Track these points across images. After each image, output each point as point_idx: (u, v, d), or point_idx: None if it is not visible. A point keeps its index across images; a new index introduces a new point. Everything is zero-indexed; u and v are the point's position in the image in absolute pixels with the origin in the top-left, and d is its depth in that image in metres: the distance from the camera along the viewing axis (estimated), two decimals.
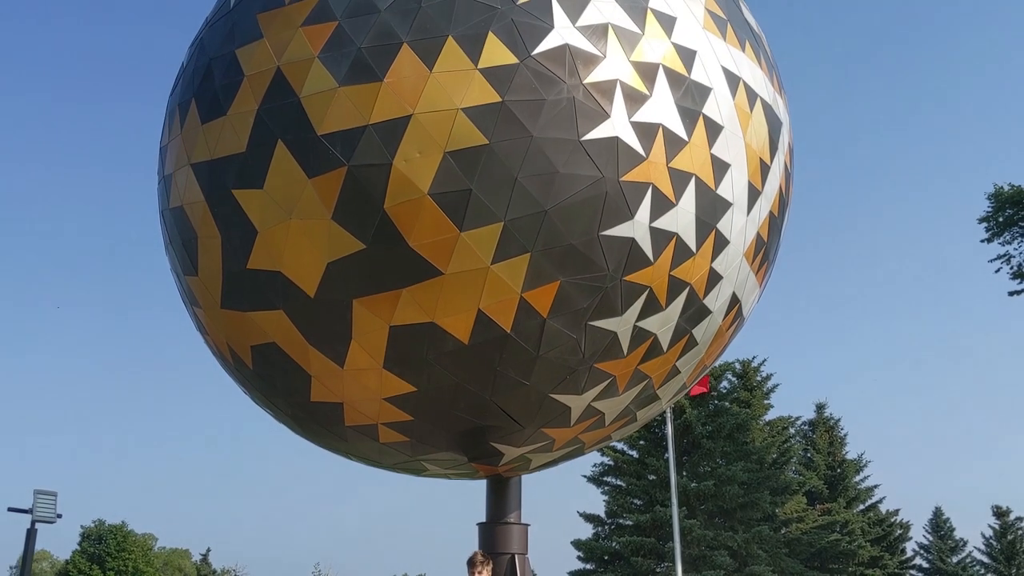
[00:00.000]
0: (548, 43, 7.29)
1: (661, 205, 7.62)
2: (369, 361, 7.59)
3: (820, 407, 47.12)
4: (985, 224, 28.47)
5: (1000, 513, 54.90)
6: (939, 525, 56.13)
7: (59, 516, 16.39)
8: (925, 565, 54.04)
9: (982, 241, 28.74)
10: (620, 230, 7.47)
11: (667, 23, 7.96)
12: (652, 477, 26.49)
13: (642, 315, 7.93)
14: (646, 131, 7.51)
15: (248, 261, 7.57)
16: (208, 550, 75.71)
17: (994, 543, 54.38)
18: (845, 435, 45.73)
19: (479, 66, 7.12)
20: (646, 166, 7.50)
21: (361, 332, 7.45)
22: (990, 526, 55.25)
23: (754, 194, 8.61)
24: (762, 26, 9.96)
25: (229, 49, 7.76)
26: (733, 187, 8.28)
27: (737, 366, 36.04)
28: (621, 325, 7.87)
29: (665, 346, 8.38)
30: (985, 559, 54.43)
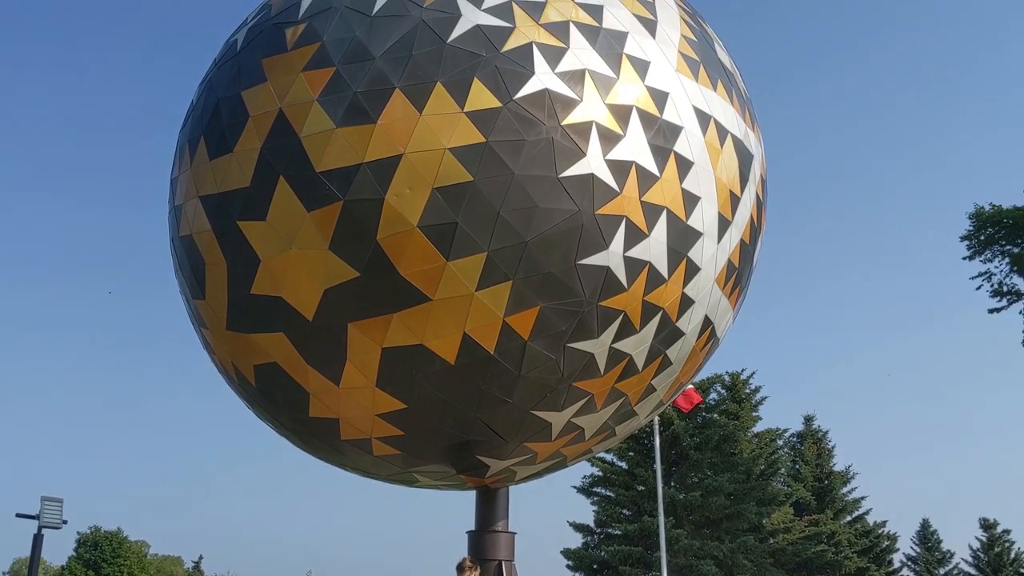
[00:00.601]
0: (529, 88, 7.91)
1: (634, 236, 8.23)
2: (363, 380, 8.18)
3: (808, 419, 47.80)
4: (967, 243, 29.15)
5: (987, 525, 55.47)
6: (927, 537, 56.76)
7: (64, 522, 16.79)
8: None
9: (964, 258, 29.41)
10: (596, 259, 8.08)
11: (641, 67, 8.58)
12: (640, 488, 27.10)
13: (617, 337, 8.53)
14: (620, 168, 8.12)
15: (252, 287, 8.18)
16: (200, 557, 74.76)
17: (981, 555, 54.96)
18: (833, 447, 46.38)
19: (465, 109, 7.74)
20: (620, 200, 8.11)
21: (355, 353, 8.06)
22: (977, 538, 56.02)
23: (724, 224, 9.22)
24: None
25: (236, 91, 8.40)
26: (703, 218, 8.88)
27: (726, 378, 36.81)
28: (598, 347, 8.47)
29: (640, 366, 8.97)
30: (972, 571, 54.98)
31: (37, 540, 15.34)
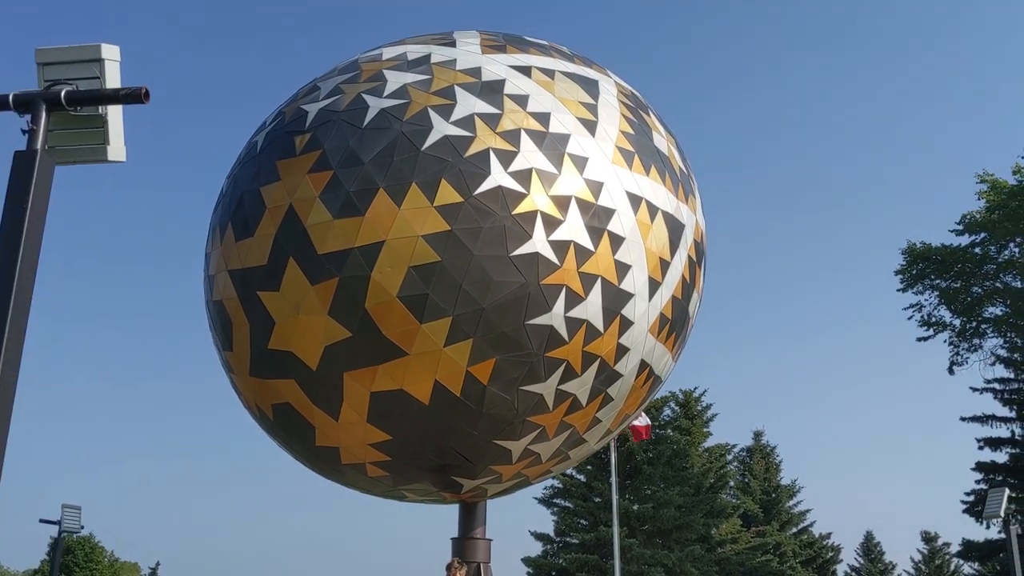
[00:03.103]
0: (486, 185, 10.00)
1: (573, 300, 10.28)
2: (356, 417, 10.28)
3: (758, 435, 50.12)
4: (900, 276, 31.16)
5: (928, 538, 57.88)
6: (870, 548, 59.00)
7: (82, 527, 18.02)
8: None
9: (898, 290, 31.47)
10: (541, 320, 10.13)
11: (580, 163, 10.64)
12: (597, 499, 29.05)
13: (562, 380, 10.56)
14: (560, 247, 10.18)
15: (269, 343, 10.31)
16: (157, 563, 72.18)
17: (922, 567, 57.39)
18: (780, 461, 48.61)
19: (434, 204, 9.84)
20: (560, 272, 10.17)
21: (350, 396, 10.16)
22: (919, 550, 58.46)
23: (655, 285, 11.22)
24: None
25: (255, 186, 10.56)
26: (635, 282, 10.91)
27: (680, 395, 39.29)
28: (546, 389, 10.51)
29: (584, 402, 10.99)
30: None
31: (57, 544, 17.00)
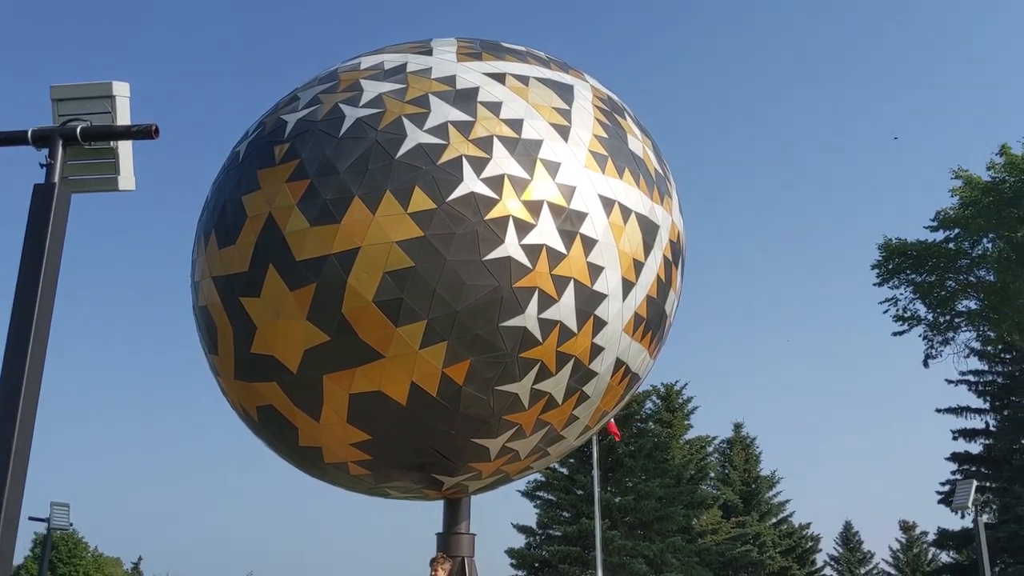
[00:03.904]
0: (458, 192, 10.28)
1: (546, 302, 10.56)
2: (337, 418, 10.60)
3: (738, 426, 50.77)
4: (876, 271, 31.60)
5: (906, 528, 59.13)
6: (849, 538, 60.39)
7: (71, 525, 18.37)
8: None
9: (874, 285, 31.97)
10: (514, 321, 10.42)
11: (552, 168, 10.91)
12: (580, 492, 29.44)
13: (537, 380, 10.86)
14: (532, 250, 10.46)
15: (251, 347, 10.64)
16: (140, 558, 72.73)
17: (901, 556, 58.66)
18: (760, 453, 49.31)
19: (408, 211, 10.14)
20: (533, 275, 10.45)
21: (330, 398, 10.48)
22: (897, 539, 59.94)
23: (628, 286, 11.49)
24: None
25: (237, 195, 10.87)
26: (608, 283, 11.18)
27: (661, 389, 39.99)
28: (521, 388, 10.80)
29: (560, 400, 11.28)
30: (892, 571, 58.65)
31: (47, 540, 17.30)
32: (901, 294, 31.39)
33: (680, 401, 39.83)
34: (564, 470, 32.09)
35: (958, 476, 33.62)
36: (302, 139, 10.73)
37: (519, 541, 32.63)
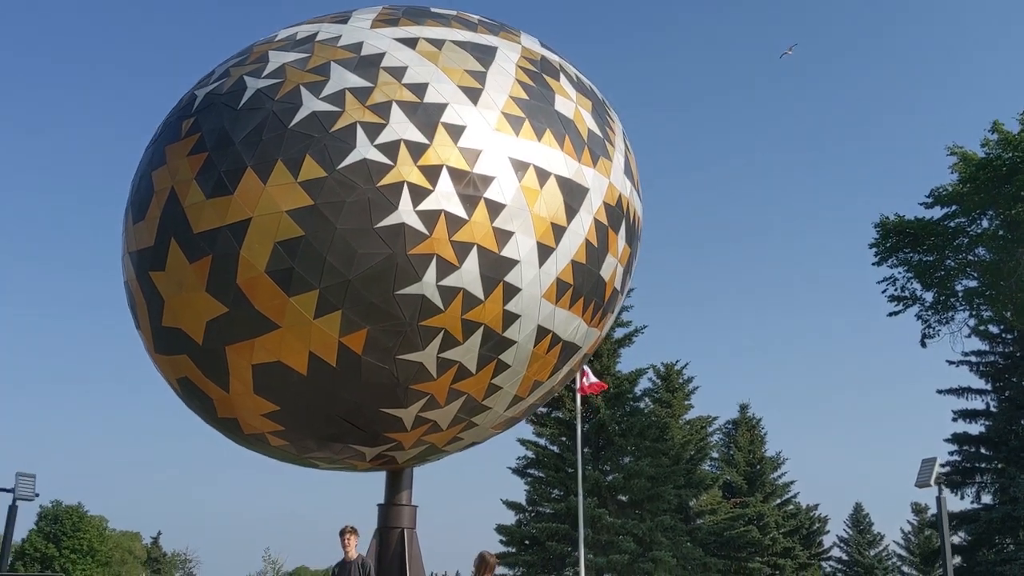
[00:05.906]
0: (350, 159, 10.16)
1: (446, 269, 10.37)
2: (244, 388, 10.68)
3: (743, 407, 49.99)
4: (874, 249, 30.30)
5: (918, 510, 58.43)
6: (859, 520, 59.67)
7: (37, 495, 18.71)
8: (844, 557, 57.68)
9: (872, 264, 30.71)
10: (411, 289, 10.28)
11: (455, 132, 10.67)
12: (570, 470, 28.84)
13: (442, 348, 10.69)
14: (429, 216, 10.28)
15: (162, 320, 10.81)
16: (159, 533, 75.12)
17: (912, 538, 58.42)
18: (765, 434, 48.26)
19: (298, 180, 10.08)
20: (430, 242, 10.28)
21: (234, 368, 10.56)
22: (909, 522, 59.33)
23: (546, 251, 11.18)
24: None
25: (148, 171, 11.03)
26: (519, 248, 10.90)
27: (661, 368, 39.32)
28: (425, 357, 10.66)
29: (474, 369, 11.09)
30: (903, 552, 58.18)
31: (12, 512, 17.47)
32: (899, 273, 30.21)
33: (680, 381, 39.31)
34: (555, 448, 31.85)
35: (957, 458, 32.36)
36: (206, 113, 10.79)
37: (509, 518, 32.70)
